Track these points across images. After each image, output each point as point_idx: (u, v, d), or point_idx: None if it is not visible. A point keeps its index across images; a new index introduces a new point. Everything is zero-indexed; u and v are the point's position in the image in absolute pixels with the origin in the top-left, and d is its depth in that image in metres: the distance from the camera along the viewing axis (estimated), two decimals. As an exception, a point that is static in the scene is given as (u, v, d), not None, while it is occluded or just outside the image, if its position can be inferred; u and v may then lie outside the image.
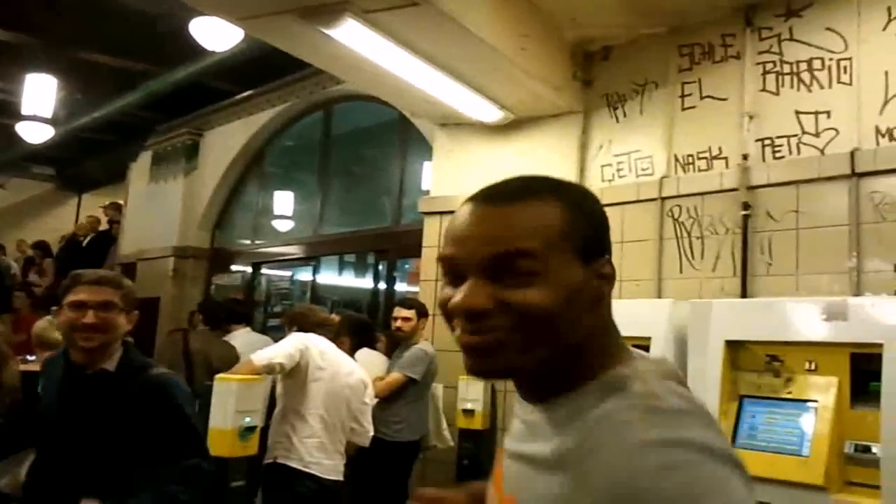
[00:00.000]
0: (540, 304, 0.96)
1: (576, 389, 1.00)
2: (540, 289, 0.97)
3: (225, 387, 3.76)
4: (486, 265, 0.99)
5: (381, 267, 7.12)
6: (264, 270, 8.57)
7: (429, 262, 5.91)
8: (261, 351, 4.12)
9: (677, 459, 0.86)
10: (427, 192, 6.16)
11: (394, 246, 6.81)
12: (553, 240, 0.99)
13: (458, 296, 0.99)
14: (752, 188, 4.47)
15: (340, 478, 4.10)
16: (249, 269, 8.64)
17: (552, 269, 0.98)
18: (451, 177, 5.89)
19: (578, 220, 1.05)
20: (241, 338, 5.79)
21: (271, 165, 8.87)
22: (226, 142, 8.98)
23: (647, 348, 4.27)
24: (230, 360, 5.08)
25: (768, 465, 3.64)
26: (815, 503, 3.47)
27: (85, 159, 12.34)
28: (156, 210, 9.75)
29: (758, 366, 3.86)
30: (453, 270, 1.03)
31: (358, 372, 4.31)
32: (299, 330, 4.24)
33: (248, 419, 3.77)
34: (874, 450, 3.38)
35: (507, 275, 0.98)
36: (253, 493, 4.33)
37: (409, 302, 5.24)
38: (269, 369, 3.94)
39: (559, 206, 1.03)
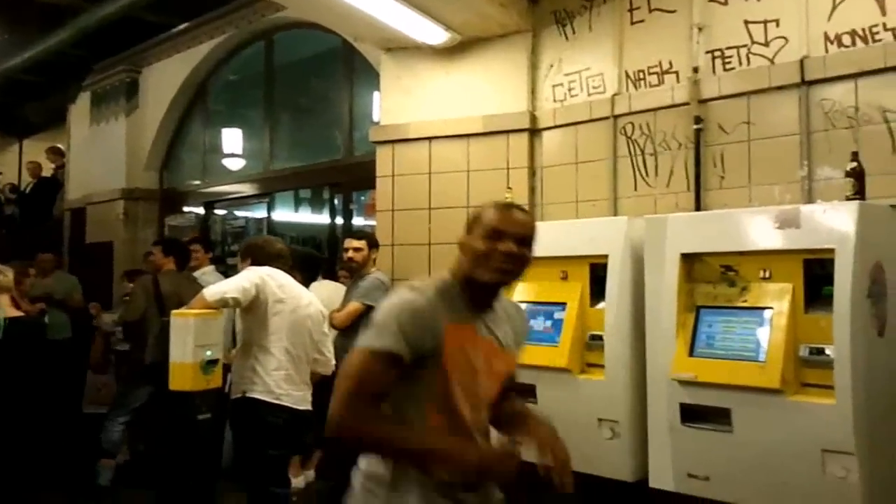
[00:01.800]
0: (527, 258, 2.12)
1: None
2: (530, 253, 2.13)
3: (182, 322, 3.75)
4: (519, 239, 2.09)
5: (336, 201, 7.05)
6: (217, 210, 8.43)
7: (384, 193, 5.87)
8: (213, 286, 4.08)
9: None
10: (378, 123, 6.06)
11: (347, 178, 6.72)
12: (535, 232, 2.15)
13: (508, 245, 2.07)
14: (703, 101, 4.48)
15: (310, 407, 4.13)
16: (202, 210, 8.48)
17: (533, 246, 2.13)
18: (402, 104, 5.81)
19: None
20: (211, 276, 5.73)
21: (215, 102, 8.64)
22: (166, 78, 8.71)
23: (604, 266, 4.32)
24: None
25: (727, 372, 3.74)
26: (773, 406, 3.58)
27: (22, 103, 11.89)
28: (100, 152, 9.49)
29: (713, 277, 3.93)
30: (496, 233, 2.07)
31: (315, 302, 4.31)
32: (254, 263, 4.19)
33: (209, 352, 3.78)
34: (827, 352, 3.48)
35: (525, 245, 2.10)
36: (220, 426, 4.35)
37: (360, 233, 5.26)
38: (223, 303, 3.92)
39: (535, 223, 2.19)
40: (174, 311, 3.95)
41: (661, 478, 3.98)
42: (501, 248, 2.04)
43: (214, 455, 4.88)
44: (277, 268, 4.19)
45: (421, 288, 2.03)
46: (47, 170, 11.11)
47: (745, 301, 3.82)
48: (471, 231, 2.12)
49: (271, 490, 3.93)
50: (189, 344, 3.79)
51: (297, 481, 4.98)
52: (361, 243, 5.08)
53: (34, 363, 5.02)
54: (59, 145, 10.87)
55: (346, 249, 5.11)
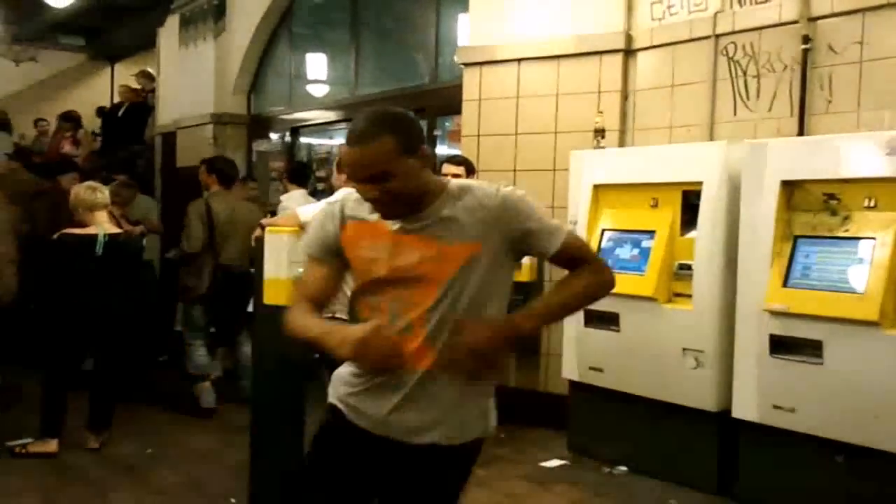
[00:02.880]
0: (394, 190, 1.92)
1: (438, 198, 2.01)
2: (395, 182, 1.91)
3: (277, 238, 3.79)
4: (367, 179, 1.93)
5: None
6: (303, 138, 8.46)
7: (470, 118, 5.78)
8: (307, 206, 4.11)
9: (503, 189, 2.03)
10: (465, 45, 5.94)
11: (433, 104, 6.63)
12: (392, 156, 1.89)
13: (365, 192, 1.97)
14: (812, 20, 4.22)
15: None
16: (288, 136, 8.54)
17: (397, 171, 1.90)
18: (491, 23, 5.67)
19: (402, 137, 1.91)
20: (301, 199, 5.76)
21: (301, 25, 8.57)
22: (252, 0, 8.70)
23: (697, 194, 4.20)
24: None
25: (822, 303, 3.64)
26: (869, 338, 3.48)
27: (113, 27, 12.12)
28: (189, 76, 9.59)
29: (814, 205, 3.79)
30: (355, 180, 1.99)
31: None
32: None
33: (301, 269, 3.81)
34: (934, 285, 3.34)
35: (377, 181, 1.91)
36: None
37: (459, 158, 5.14)
38: None
39: (389, 136, 1.89)
40: (269, 228, 3.97)
41: (746, 408, 3.93)
42: (362, 193, 1.98)
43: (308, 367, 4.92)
44: None
45: (345, 196, 2.14)
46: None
47: (847, 231, 3.68)
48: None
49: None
50: (283, 260, 3.83)
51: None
52: (460, 169, 4.98)
53: (132, 281, 5.16)
54: (150, 69, 11.05)
55: (445, 175, 5.03)
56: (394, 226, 2.00)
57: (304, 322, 2.11)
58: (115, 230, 4.98)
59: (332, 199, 4.04)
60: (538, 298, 2.18)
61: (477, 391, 2.07)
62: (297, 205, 5.00)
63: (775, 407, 3.79)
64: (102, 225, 4.86)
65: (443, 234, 1.97)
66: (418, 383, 1.99)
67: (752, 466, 3.96)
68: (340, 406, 2.12)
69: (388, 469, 2.08)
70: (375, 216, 2.02)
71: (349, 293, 4.12)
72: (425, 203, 1.99)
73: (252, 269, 5.70)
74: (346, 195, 2.13)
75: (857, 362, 3.51)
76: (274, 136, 8.83)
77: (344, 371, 2.14)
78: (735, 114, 4.55)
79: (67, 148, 10.79)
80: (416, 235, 1.98)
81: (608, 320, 4.49)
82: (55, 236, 4.81)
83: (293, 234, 3.85)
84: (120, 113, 11.03)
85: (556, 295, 2.10)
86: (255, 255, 3.96)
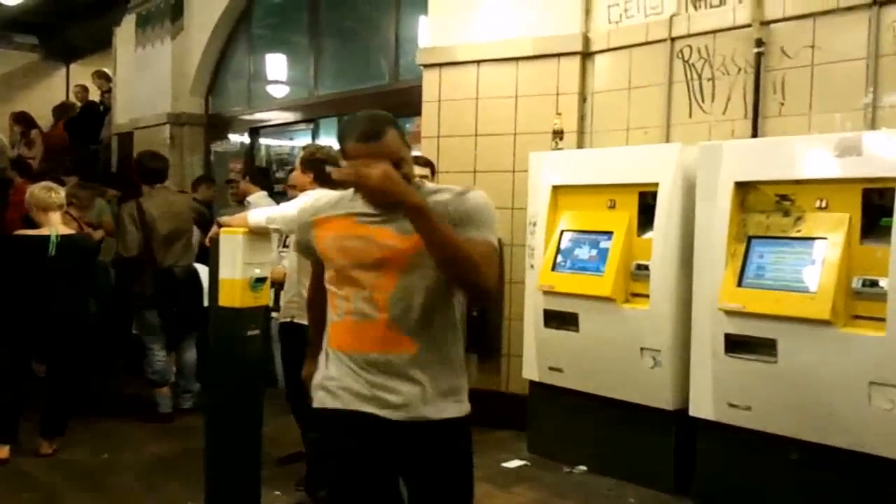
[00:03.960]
0: (407, 175, 2.08)
1: None
2: (406, 167, 2.10)
3: (231, 239, 3.74)
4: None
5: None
6: (262, 139, 8.39)
7: (429, 119, 5.77)
8: (259, 210, 4.05)
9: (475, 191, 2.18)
10: (425, 46, 5.94)
11: (392, 105, 6.60)
12: (402, 145, 2.12)
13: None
14: (766, 23, 4.29)
15: None
16: (247, 137, 8.46)
17: (407, 157, 2.13)
18: (450, 25, 5.67)
19: (401, 131, 2.13)
20: (262, 201, 5.68)
21: (259, 26, 8.51)
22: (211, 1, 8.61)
23: (654, 195, 4.24)
24: None
25: (775, 303, 3.69)
26: (822, 337, 3.53)
27: (68, 26, 11.92)
28: (146, 76, 9.46)
29: (767, 206, 3.85)
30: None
31: None
32: (316, 179, 4.10)
33: (257, 270, 3.77)
34: (881, 284, 3.41)
35: (397, 168, 2.00)
36: (268, 342, 4.37)
37: (423, 159, 5.11)
38: (263, 230, 3.83)
39: (396, 131, 2.12)
40: (223, 229, 3.93)
41: (702, 407, 3.98)
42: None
43: (264, 372, 4.88)
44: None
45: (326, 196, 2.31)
46: (94, 94, 11.13)
47: (800, 231, 3.74)
48: None
49: (310, 403, 3.94)
50: (238, 261, 3.77)
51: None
52: (425, 170, 4.95)
53: (87, 283, 5.07)
54: (106, 69, 10.88)
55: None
56: (366, 218, 2.14)
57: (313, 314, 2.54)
58: (68, 231, 4.90)
59: (292, 206, 4.00)
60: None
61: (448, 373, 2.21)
62: (264, 205, 4.95)
63: (731, 405, 3.85)
64: (55, 226, 4.78)
65: (408, 227, 2.04)
66: (398, 366, 2.13)
67: (708, 464, 4.01)
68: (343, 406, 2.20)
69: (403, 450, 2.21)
70: (347, 212, 2.19)
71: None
72: None
73: (197, 266, 5.73)
74: (318, 197, 2.32)
75: (811, 360, 3.57)
76: (233, 136, 8.74)
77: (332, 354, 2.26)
78: (690, 116, 4.61)
79: (23, 150, 10.58)
80: (387, 227, 2.12)
81: (567, 320, 4.52)
82: (5, 236, 4.73)
83: (247, 236, 3.81)
84: (75, 113, 10.87)
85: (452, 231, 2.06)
86: (211, 256, 3.91)
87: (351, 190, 2.17)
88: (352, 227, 2.16)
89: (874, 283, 3.45)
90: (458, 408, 2.25)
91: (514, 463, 4.67)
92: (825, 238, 3.62)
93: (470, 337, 5.10)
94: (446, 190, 2.17)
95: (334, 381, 2.20)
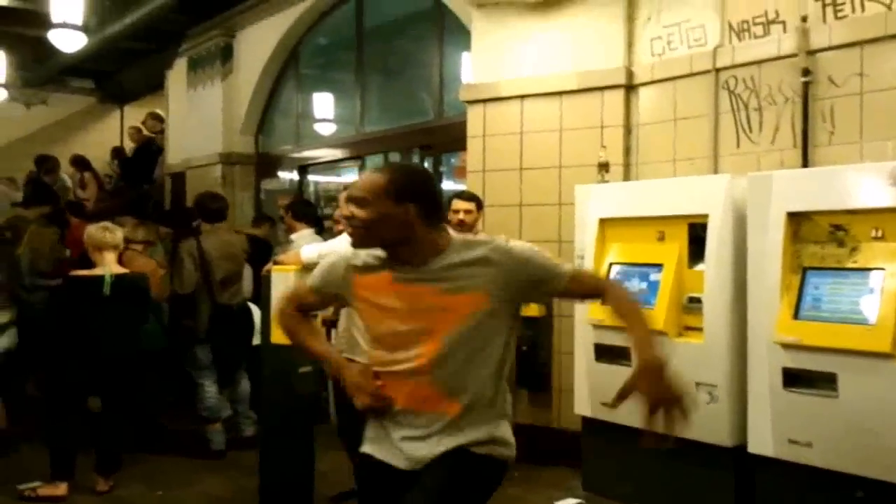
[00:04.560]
0: (360, 219, 2.17)
1: (442, 252, 2.16)
2: (365, 213, 2.15)
3: (283, 276, 3.80)
4: (353, 200, 2.19)
5: (426, 163, 7.02)
6: (311, 176, 8.53)
7: (475, 153, 5.80)
8: (311, 246, 4.10)
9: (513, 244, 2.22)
10: (468, 82, 5.99)
11: (438, 140, 6.69)
12: (378, 192, 2.14)
13: (345, 209, 2.30)
14: (812, 52, 4.24)
15: None
16: (296, 174, 8.61)
17: (375, 205, 2.14)
18: (493, 62, 5.72)
19: (397, 184, 2.14)
20: (307, 239, 5.74)
21: (307, 66, 8.70)
22: (259, 42, 8.82)
23: (703, 226, 4.20)
24: None
25: (833, 335, 3.61)
26: (883, 371, 3.44)
27: (123, 70, 12.29)
28: (197, 117, 9.74)
29: (821, 237, 3.78)
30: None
31: None
32: None
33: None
34: (944, 314, 3.31)
35: (354, 203, 2.18)
36: (320, 378, 4.37)
37: (468, 193, 5.15)
38: (314, 267, 3.90)
39: (385, 178, 2.16)
40: (274, 266, 3.99)
41: (761, 443, 3.89)
42: (342, 208, 2.32)
43: (316, 408, 4.90)
44: None
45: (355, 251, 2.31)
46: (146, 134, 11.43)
47: (856, 262, 3.66)
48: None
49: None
50: None
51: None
52: (471, 205, 4.99)
53: (140, 321, 5.17)
54: (159, 111, 11.18)
55: (457, 211, 5.00)
56: (401, 276, 2.18)
57: (298, 326, 2.48)
58: (122, 270, 4.99)
59: (344, 243, 4.05)
60: (632, 338, 2.29)
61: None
62: (306, 243, 5.02)
63: (791, 441, 3.75)
64: (109, 265, 4.88)
65: (448, 286, 2.11)
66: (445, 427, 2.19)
67: (768, 503, 3.91)
68: None
69: None
70: (382, 269, 2.23)
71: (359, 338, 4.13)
72: (429, 255, 2.17)
73: (250, 304, 5.80)
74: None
75: (872, 394, 3.47)
76: (282, 174, 8.90)
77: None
78: (738, 146, 4.56)
79: (80, 192, 10.90)
80: (424, 286, 2.15)
81: (619, 355, 4.44)
82: (62, 278, 4.85)
83: (298, 272, 3.86)
84: (130, 154, 11.16)
85: (637, 322, 2.26)
86: (263, 293, 3.97)
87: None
88: (397, 287, 2.20)
89: (935, 314, 3.36)
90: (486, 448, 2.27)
91: (569, 501, 4.61)
92: (882, 269, 3.54)
93: (519, 371, 5.12)
94: (478, 243, 2.20)
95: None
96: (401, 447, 2.22)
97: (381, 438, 2.28)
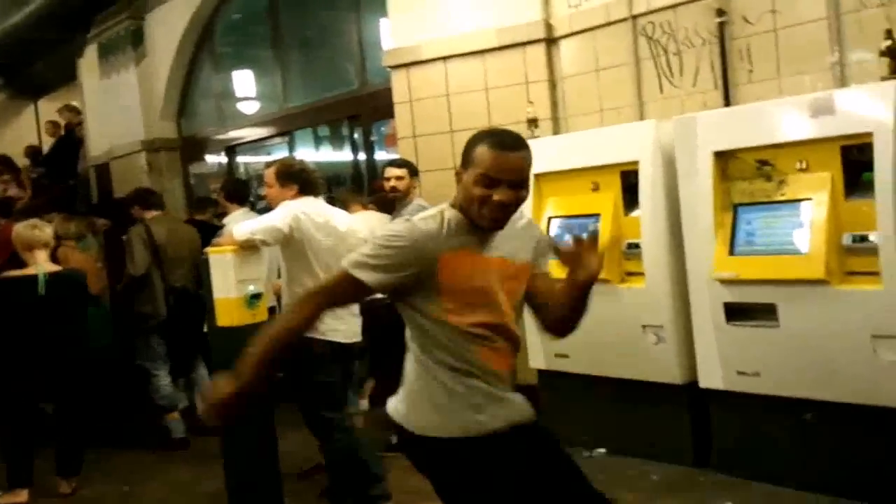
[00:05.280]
0: (522, 199, 2.13)
1: None
2: (524, 192, 2.12)
3: (220, 258, 3.74)
4: (515, 184, 2.09)
5: (356, 135, 6.96)
6: (240, 157, 8.38)
7: (403, 120, 5.78)
8: (244, 223, 4.01)
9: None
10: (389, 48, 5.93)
11: (365, 110, 6.62)
12: (530, 167, 2.14)
13: (503, 195, 2.07)
14: (725, -8, 4.32)
15: (359, 339, 4.08)
16: (224, 156, 8.45)
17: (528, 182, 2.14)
18: (412, 24, 5.67)
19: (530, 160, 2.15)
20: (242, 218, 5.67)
21: (223, 44, 8.47)
22: (170, 22, 8.52)
23: (635, 174, 4.27)
24: None
25: (769, 268, 3.73)
26: (820, 297, 3.57)
27: (32, 63, 11.81)
28: (115, 105, 9.40)
29: (748, 173, 3.88)
30: (491, 181, 2.07)
31: (358, 234, 4.16)
32: (302, 191, 4.06)
33: (251, 287, 3.77)
34: (871, 238, 3.45)
35: (520, 188, 2.10)
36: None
37: (400, 161, 5.15)
38: (250, 243, 3.81)
39: (530, 154, 2.14)
40: (211, 248, 3.90)
41: (711, 378, 4.03)
42: (496, 197, 2.07)
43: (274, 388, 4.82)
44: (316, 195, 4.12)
45: (419, 224, 2.13)
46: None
47: (784, 195, 3.77)
48: (466, 165, 2.14)
49: (322, 414, 3.94)
50: (231, 279, 3.76)
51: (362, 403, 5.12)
52: (403, 171, 4.97)
53: (82, 318, 5.03)
54: (75, 102, 10.81)
55: (388, 179, 4.98)
56: (487, 251, 2.17)
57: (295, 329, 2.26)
58: (56, 268, 4.84)
59: (280, 216, 3.97)
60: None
61: None
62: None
63: (739, 373, 3.89)
64: (42, 264, 4.72)
65: (517, 256, 2.23)
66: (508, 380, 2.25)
67: (724, 434, 4.07)
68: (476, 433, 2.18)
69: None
70: (467, 243, 2.15)
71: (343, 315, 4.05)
72: None
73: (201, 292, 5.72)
74: (443, 218, 2.16)
75: (812, 321, 3.61)
76: (209, 157, 8.72)
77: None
78: (661, 91, 4.64)
79: (13, 191, 10.50)
80: (497, 255, 2.19)
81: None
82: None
83: (236, 253, 3.79)
84: (47, 150, 10.81)
85: None
86: (203, 277, 3.88)
87: (450, 212, 2.15)
88: (480, 261, 2.16)
89: (864, 238, 3.49)
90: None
91: None
92: (810, 199, 3.66)
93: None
94: (523, 215, 2.27)
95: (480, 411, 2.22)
96: (504, 407, 2.20)
97: (481, 407, 2.18)
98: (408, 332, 2.25)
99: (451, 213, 2.16)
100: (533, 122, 5.07)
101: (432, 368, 2.18)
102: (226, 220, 5.60)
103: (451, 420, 2.17)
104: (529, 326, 4.69)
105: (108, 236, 8.93)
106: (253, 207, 6.13)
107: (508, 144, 2.09)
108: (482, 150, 2.08)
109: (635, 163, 4.28)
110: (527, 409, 2.27)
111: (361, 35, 6.74)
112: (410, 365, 2.26)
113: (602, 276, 4.14)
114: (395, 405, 2.29)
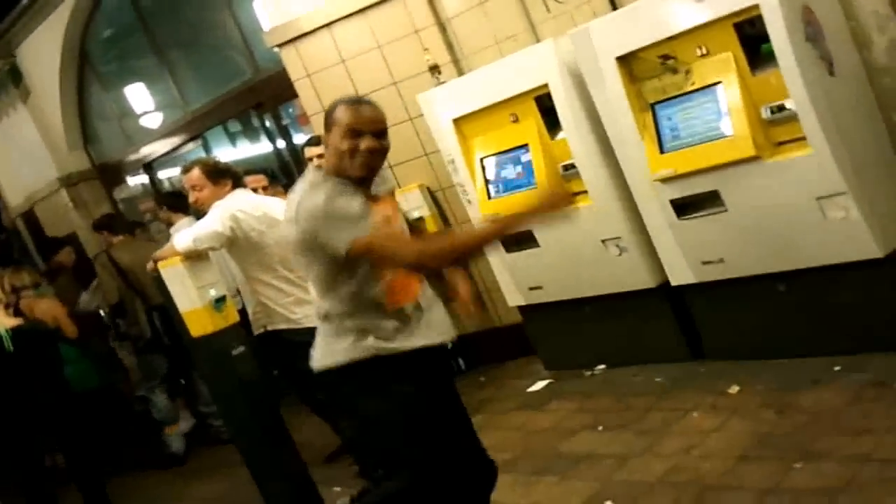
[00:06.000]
0: (387, 147, 2.52)
1: None
2: (387, 141, 2.51)
3: (172, 271, 3.72)
4: (377, 132, 2.46)
5: (266, 122, 6.81)
6: (160, 173, 8.18)
7: (307, 96, 5.65)
8: (183, 233, 3.96)
9: None
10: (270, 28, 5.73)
11: (267, 95, 6.44)
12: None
13: (369, 143, 2.44)
14: None
15: None
16: (144, 175, 8.24)
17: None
18: (287, 0, 5.48)
19: None
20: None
21: (103, 63, 8.13)
22: (43, 53, 8.11)
23: (548, 96, 4.27)
24: None
25: (701, 157, 3.80)
26: (757, 173, 3.66)
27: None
28: (17, 149, 9.00)
29: (655, 70, 3.90)
30: (354, 132, 2.42)
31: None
32: (235, 185, 4.05)
33: (212, 291, 3.77)
34: (788, 105, 3.52)
35: (382, 137, 2.49)
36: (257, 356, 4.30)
37: (317, 138, 5.02)
38: (195, 254, 3.78)
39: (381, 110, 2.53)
40: (159, 263, 3.87)
41: (680, 274, 4.14)
42: (363, 145, 2.42)
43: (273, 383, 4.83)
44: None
45: (323, 190, 2.43)
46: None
47: (694, 84, 3.81)
48: (329, 128, 2.49)
49: (320, 397, 3.94)
50: (190, 288, 3.74)
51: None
52: (321, 149, 4.90)
53: (58, 364, 5.04)
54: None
55: (310, 158, 4.93)
56: (372, 199, 2.52)
57: (466, 235, 2.99)
58: (16, 322, 4.77)
59: (215, 218, 3.84)
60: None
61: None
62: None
63: (704, 263, 3.99)
64: (2, 321, 4.67)
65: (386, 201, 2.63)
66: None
67: (709, 323, 4.19)
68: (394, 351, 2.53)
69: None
70: (363, 195, 2.47)
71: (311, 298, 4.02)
72: None
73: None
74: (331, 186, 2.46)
75: (756, 198, 3.69)
76: (130, 179, 8.51)
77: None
78: (549, 11, 4.57)
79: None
80: (383, 198, 2.60)
81: (525, 240, 4.55)
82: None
83: (185, 262, 3.74)
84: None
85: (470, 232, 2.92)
86: (163, 293, 3.86)
87: (331, 179, 2.45)
88: (378, 206, 2.54)
89: (781, 108, 3.55)
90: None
91: (538, 385, 4.81)
92: (719, 82, 3.70)
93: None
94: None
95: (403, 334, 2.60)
96: (437, 324, 2.61)
97: (413, 328, 2.55)
98: None
99: (332, 182, 2.44)
100: (435, 69, 5.01)
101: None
102: (173, 230, 5.50)
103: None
104: (496, 269, 4.84)
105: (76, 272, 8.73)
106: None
107: (363, 101, 2.53)
108: (341, 109, 2.46)
109: (545, 86, 4.27)
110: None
111: (240, 23, 6.51)
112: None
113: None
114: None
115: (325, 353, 2.61)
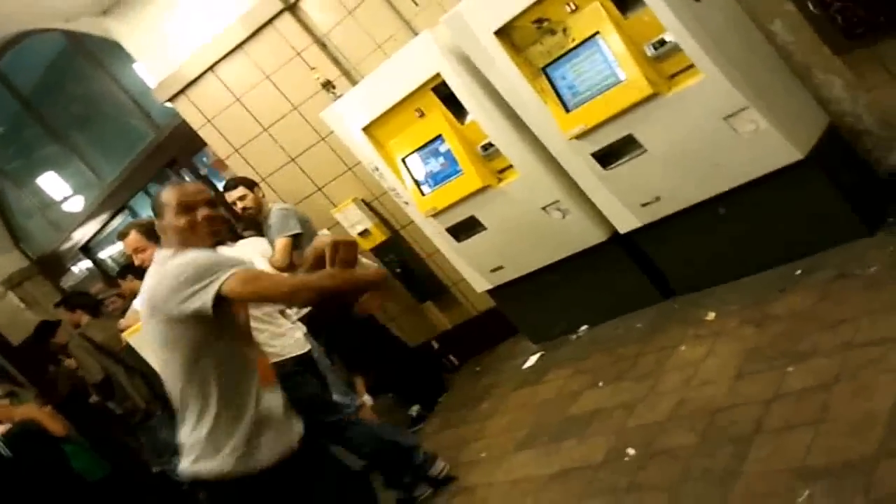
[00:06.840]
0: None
1: None
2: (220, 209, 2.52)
3: (140, 336, 3.81)
4: (209, 203, 2.47)
5: (186, 176, 6.71)
6: (101, 252, 8.07)
7: (214, 140, 5.60)
8: (140, 298, 3.94)
9: None
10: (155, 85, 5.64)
11: (177, 150, 6.33)
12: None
13: (205, 212, 2.45)
14: None
15: (308, 346, 4.01)
16: (85, 260, 8.13)
17: None
18: (163, 54, 5.41)
19: None
20: None
21: (5, 160, 7.95)
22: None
23: (444, 84, 4.27)
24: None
25: (604, 107, 3.84)
26: (661, 108, 3.71)
27: None
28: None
29: (534, 35, 3.92)
30: (188, 207, 2.42)
31: (249, 261, 4.09)
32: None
33: None
34: (667, 38, 3.57)
35: (215, 206, 2.50)
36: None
37: (231, 182, 4.99)
38: None
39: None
40: (126, 333, 3.87)
41: (625, 221, 4.21)
42: (200, 215, 2.42)
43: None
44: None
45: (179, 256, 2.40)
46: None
47: (574, 39, 3.83)
48: (162, 216, 2.45)
49: (324, 421, 3.89)
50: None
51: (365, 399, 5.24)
52: (239, 191, 4.86)
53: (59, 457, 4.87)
54: None
55: (233, 204, 4.91)
56: None
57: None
58: (2, 428, 4.59)
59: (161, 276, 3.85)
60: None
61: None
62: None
63: (643, 205, 4.05)
64: None
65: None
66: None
67: (668, 261, 4.28)
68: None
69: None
70: None
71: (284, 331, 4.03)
72: None
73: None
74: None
75: (667, 132, 3.75)
76: (73, 267, 8.39)
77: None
78: (417, 4, 4.53)
79: None
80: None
81: (471, 226, 4.59)
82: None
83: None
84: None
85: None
86: (137, 362, 3.87)
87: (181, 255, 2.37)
88: None
89: (662, 42, 3.60)
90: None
91: (531, 360, 4.86)
92: (597, 32, 3.73)
93: (414, 290, 5.32)
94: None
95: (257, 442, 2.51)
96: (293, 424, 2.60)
97: (278, 431, 2.52)
98: None
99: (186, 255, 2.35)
100: (328, 85, 4.96)
101: None
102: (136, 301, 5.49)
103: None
104: (453, 260, 4.86)
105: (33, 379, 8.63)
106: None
107: (181, 182, 2.53)
108: (166, 192, 2.47)
109: (438, 75, 4.26)
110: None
111: (125, 87, 6.39)
112: None
113: (480, 185, 4.32)
114: None
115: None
